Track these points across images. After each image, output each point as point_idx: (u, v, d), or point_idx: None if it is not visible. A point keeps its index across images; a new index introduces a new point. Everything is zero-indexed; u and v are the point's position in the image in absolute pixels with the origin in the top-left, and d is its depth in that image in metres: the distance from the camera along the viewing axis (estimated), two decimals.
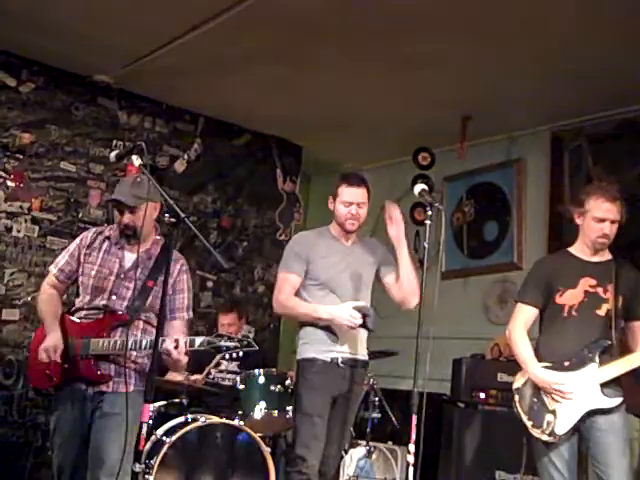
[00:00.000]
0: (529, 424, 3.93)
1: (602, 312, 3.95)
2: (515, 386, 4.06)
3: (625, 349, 3.99)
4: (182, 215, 3.38)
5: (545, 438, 3.87)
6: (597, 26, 4.86)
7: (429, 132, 6.71)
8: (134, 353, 3.79)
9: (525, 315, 4.11)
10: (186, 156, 7.06)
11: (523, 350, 4.03)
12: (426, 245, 3.68)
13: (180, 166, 7.02)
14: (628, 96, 5.73)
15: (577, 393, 3.86)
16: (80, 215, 6.41)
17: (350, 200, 4.20)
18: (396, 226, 4.19)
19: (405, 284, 4.22)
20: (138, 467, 3.62)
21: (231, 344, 3.63)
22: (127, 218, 3.83)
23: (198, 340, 3.67)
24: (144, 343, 3.71)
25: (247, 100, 6.65)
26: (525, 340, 4.05)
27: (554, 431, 3.85)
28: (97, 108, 6.58)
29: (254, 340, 3.80)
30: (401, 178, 6.86)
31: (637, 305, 4.03)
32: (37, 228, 6.20)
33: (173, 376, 5.46)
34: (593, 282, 3.99)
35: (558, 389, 3.87)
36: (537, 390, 3.96)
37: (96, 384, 3.75)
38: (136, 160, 3.62)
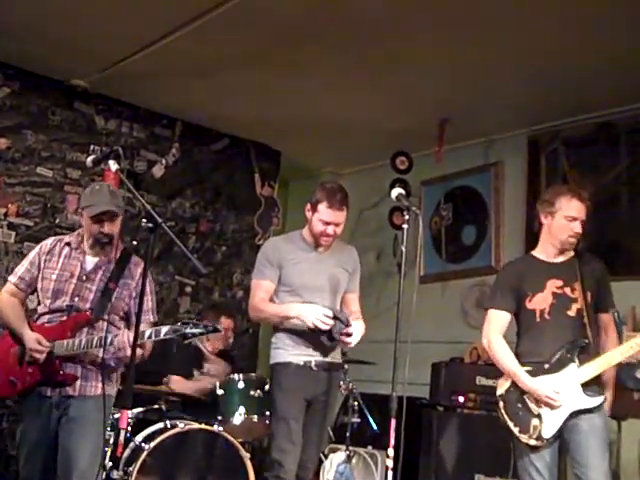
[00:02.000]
0: (515, 430, 3.90)
1: (573, 312, 3.95)
2: (498, 393, 4.04)
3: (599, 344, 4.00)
4: (159, 220, 3.38)
5: (533, 443, 3.85)
6: (574, 31, 4.89)
7: (407, 136, 6.73)
8: (100, 354, 3.75)
9: (499, 322, 4.09)
10: (164, 161, 7.03)
11: (508, 361, 3.99)
12: (404, 249, 3.68)
13: (158, 171, 7.00)
14: (604, 100, 5.78)
15: (561, 395, 3.85)
16: (57, 220, 6.36)
17: (329, 220, 4.18)
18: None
19: None
20: (116, 474, 3.61)
21: (197, 330, 3.61)
22: (108, 228, 3.83)
23: (164, 329, 3.65)
24: (109, 339, 3.67)
25: (225, 104, 6.63)
26: (507, 349, 4.03)
27: (541, 435, 3.84)
28: (74, 113, 6.54)
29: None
30: (379, 182, 6.87)
31: (604, 297, 4.06)
32: (14, 234, 6.15)
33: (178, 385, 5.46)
34: (559, 283, 3.99)
35: (552, 397, 3.83)
36: (521, 395, 3.94)
37: (61, 386, 3.72)
38: (113, 165, 3.61)
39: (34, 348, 3.69)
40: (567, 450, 3.89)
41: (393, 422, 3.52)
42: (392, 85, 5.93)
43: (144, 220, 3.42)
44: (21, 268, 3.95)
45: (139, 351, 3.66)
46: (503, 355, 4.02)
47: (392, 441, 3.50)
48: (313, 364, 4.17)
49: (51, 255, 3.91)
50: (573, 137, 6.21)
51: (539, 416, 3.87)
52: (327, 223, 4.18)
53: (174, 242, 3.57)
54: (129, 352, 3.51)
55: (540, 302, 3.98)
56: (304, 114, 6.68)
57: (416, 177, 6.99)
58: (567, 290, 3.97)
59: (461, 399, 5.25)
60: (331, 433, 5.33)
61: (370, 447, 6.09)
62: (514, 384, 3.96)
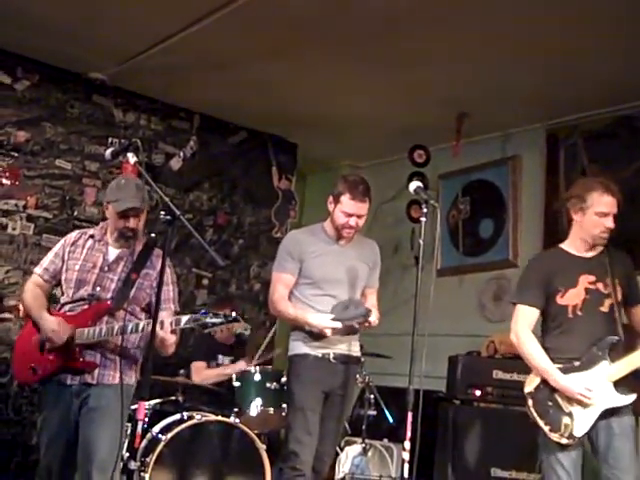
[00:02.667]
0: (546, 428, 3.81)
1: (605, 308, 3.88)
2: (527, 390, 3.92)
3: (633, 337, 3.92)
4: (177, 213, 3.39)
5: (565, 442, 3.77)
6: (592, 23, 4.86)
7: (425, 130, 6.71)
8: (119, 341, 3.76)
9: (528, 317, 3.98)
10: (182, 154, 7.05)
11: (539, 358, 3.88)
12: (421, 242, 3.67)
13: (176, 164, 7.01)
14: (623, 93, 5.74)
15: (593, 393, 3.77)
16: (75, 213, 6.40)
17: (351, 212, 4.19)
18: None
19: None
20: (133, 465, 3.63)
21: (217, 320, 3.62)
22: (133, 222, 3.86)
23: (184, 318, 3.66)
24: (130, 326, 3.70)
25: (243, 98, 6.64)
26: (537, 346, 3.92)
27: (573, 434, 3.76)
28: (92, 106, 6.56)
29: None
30: (397, 176, 6.87)
31: (635, 291, 3.99)
32: (32, 226, 6.19)
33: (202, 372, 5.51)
34: (592, 278, 3.91)
35: (586, 395, 3.75)
36: (552, 393, 3.85)
37: (81, 373, 3.75)
38: (131, 157, 3.63)
39: (54, 329, 3.71)
40: (596, 449, 3.83)
41: (409, 415, 3.52)
42: (409, 80, 5.92)
43: (162, 212, 3.44)
44: (46, 260, 3.99)
45: (172, 338, 3.70)
46: (534, 352, 3.91)
47: (408, 434, 3.51)
48: (331, 356, 4.18)
49: (75, 247, 3.94)
50: (592, 131, 6.18)
51: (570, 414, 3.79)
52: (349, 215, 4.19)
53: (192, 234, 3.58)
54: (165, 336, 3.61)
55: (573, 298, 3.89)
56: (322, 108, 6.67)
57: (434, 171, 7.00)
58: (600, 286, 3.90)
59: (478, 392, 5.25)
60: (347, 425, 5.34)
61: (386, 440, 6.09)
62: (544, 381, 3.87)
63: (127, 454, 4.10)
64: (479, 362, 5.55)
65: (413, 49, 5.40)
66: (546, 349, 3.91)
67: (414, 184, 3.83)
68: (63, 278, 3.92)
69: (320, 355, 4.17)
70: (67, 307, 3.87)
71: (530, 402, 3.88)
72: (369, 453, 5.84)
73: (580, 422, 3.77)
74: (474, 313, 6.76)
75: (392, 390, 5.87)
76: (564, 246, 4.06)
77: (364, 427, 5.70)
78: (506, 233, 6.68)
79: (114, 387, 3.73)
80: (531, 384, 3.93)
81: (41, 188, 6.25)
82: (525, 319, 3.97)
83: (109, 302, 3.81)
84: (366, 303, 4.32)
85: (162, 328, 3.63)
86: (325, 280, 4.23)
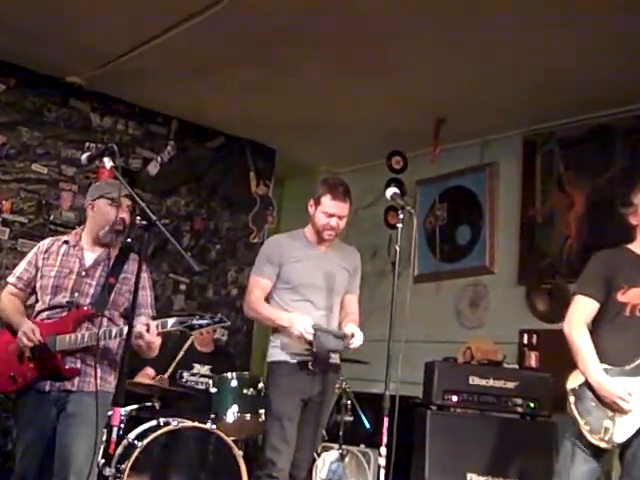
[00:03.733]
0: (586, 429, 3.63)
1: None
2: (571, 386, 3.75)
3: None
4: (154, 218, 3.37)
5: (604, 445, 3.61)
6: (572, 33, 4.89)
7: (402, 136, 6.73)
8: (102, 343, 3.73)
9: (586, 309, 3.81)
10: (159, 159, 7.03)
11: (586, 352, 3.70)
12: (398, 248, 3.68)
13: (153, 169, 6.99)
14: (599, 101, 5.78)
15: (633, 399, 3.62)
16: (52, 217, 6.36)
17: (332, 212, 4.19)
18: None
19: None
20: (109, 471, 3.60)
21: (203, 322, 3.61)
22: (127, 213, 3.86)
23: (170, 321, 3.65)
24: (114, 332, 3.68)
25: (221, 103, 6.64)
26: (587, 339, 3.73)
27: (612, 439, 3.60)
28: (69, 110, 6.54)
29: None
30: (375, 181, 6.89)
31: None
32: (8, 230, 6.15)
33: (146, 377, 5.48)
34: None
35: (624, 397, 3.60)
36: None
37: (62, 380, 3.71)
38: (108, 162, 3.60)
39: (26, 333, 3.66)
40: (622, 457, 3.71)
41: (386, 421, 3.53)
42: (388, 85, 5.93)
43: (138, 218, 3.42)
44: (19, 268, 3.95)
45: (158, 341, 3.69)
46: (583, 346, 3.71)
47: (385, 440, 3.51)
48: (310, 364, 4.17)
49: (49, 253, 3.91)
50: (569, 138, 6.22)
51: (612, 418, 3.62)
52: (331, 215, 4.19)
53: (168, 240, 3.57)
54: (151, 339, 3.59)
55: (634, 297, 3.74)
56: (300, 113, 6.68)
57: (411, 177, 7.01)
58: None
59: (454, 398, 5.25)
60: (324, 432, 5.34)
61: (363, 446, 6.09)
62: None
63: (102, 460, 4.08)
64: (455, 368, 5.56)
65: (393, 55, 5.41)
66: (596, 348, 3.74)
67: (391, 190, 3.84)
68: (38, 285, 3.88)
69: (299, 363, 4.15)
70: (44, 314, 3.83)
71: (572, 399, 3.72)
72: (346, 459, 5.84)
73: (622, 428, 3.62)
74: (451, 319, 6.78)
75: (369, 396, 5.87)
76: (630, 246, 3.91)
77: (341, 433, 5.70)
78: (483, 239, 6.71)
79: (93, 394, 3.70)
80: (575, 380, 3.76)
81: (17, 192, 6.21)
82: (583, 311, 3.82)
83: (90, 308, 3.79)
84: (345, 310, 4.32)
85: (148, 331, 3.61)
86: (303, 285, 4.22)
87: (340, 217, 4.21)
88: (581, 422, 3.66)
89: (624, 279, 3.77)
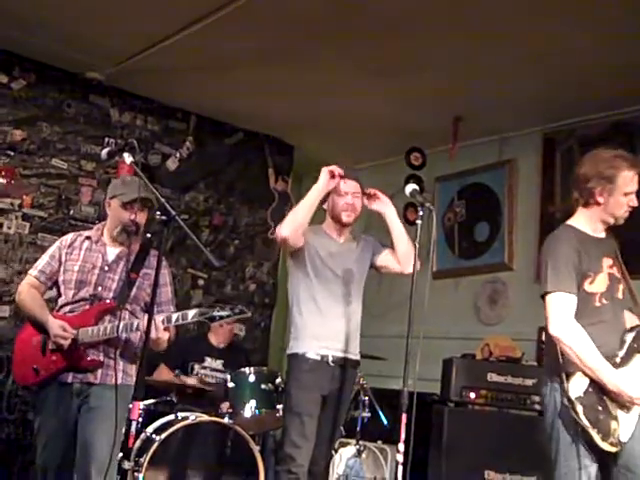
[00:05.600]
0: (598, 437, 3.30)
1: (621, 294, 3.54)
2: (575, 395, 3.35)
3: None
4: (173, 213, 3.39)
5: (614, 449, 3.33)
6: (590, 28, 4.87)
7: (421, 133, 6.72)
8: (124, 335, 3.78)
9: (570, 306, 3.41)
10: (178, 154, 7.05)
11: (592, 355, 3.34)
12: (417, 245, 3.69)
13: (172, 164, 7.02)
14: (620, 98, 5.75)
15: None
16: (71, 212, 6.40)
17: (345, 190, 4.28)
18: (375, 199, 4.34)
19: (399, 247, 4.29)
20: (127, 465, 3.62)
21: (224, 313, 3.64)
22: (139, 216, 3.87)
23: (191, 312, 3.67)
24: (135, 324, 3.72)
25: (239, 99, 6.64)
26: (586, 339, 3.36)
27: (619, 439, 3.35)
28: (89, 105, 6.57)
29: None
30: (393, 178, 6.85)
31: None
32: (28, 225, 6.19)
33: (162, 375, 5.50)
34: (610, 262, 3.54)
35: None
36: (601, 395, 3.37)
37: (84, 372, 3.75)
38: (127, 158, 3.63)
39: (59, 334, 3.71)
40: (616, 455, 3.41)
41: (404, 417, 3.52)
42: (407, 82, 5.92)
43: (158, 213, 3.44)
44: (41, 262, 3.97)
45: (165, 336, 3.72)
46: (585, 347, 3.34)
47: (402, 436, 3.50)
48: (330, 359, 4.16)
49: (72, 248, 3.95)
50: (588, 135, 6.17)
51: (616, 418, 3.37)
52: (345, 193, 4.28)
53: (187, 235, 3.58)
54: (160, 335, 3.62)
55: (600, 284, 3.47)
56: (319, 109, 6.68)
57: (430, 173, 7.00)
58: (615, 270, 3.54)
59: (472, 395, 5.24)
60: (342, 427, 5.34)
61: (380, 442, 6.09)
62: (592, 382, 3.37)
63: (121, 454, 4.10)
64: (474, 365, 5.55)
65: (411, 52, 5.41)
66: None
67: (410, 187, 3.83)
68: (61, 280, 3.91)
69: (319, 357, 4.15)
70: (67, 308, 3.87)
71: (580, 409, 3.33)
72: (363, 455, 5.83)
73: (625, 425, 3.39)
74: (469, 316, 6.77)
75: (386, 392, 5.87)
76: (577, 225, 3.61)
77: (358, 429, 5.69)
78: (502, 236, 6.69)
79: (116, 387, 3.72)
80: (579, 387, 3.38)
81: (37, 187, 6.25)
82: (567, 309, 3.41)
83: (112, 301, 3.82)
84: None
85: (169, 322, 3.67)
86: (321, 275, 4.25)
87: (354, 194, 4.30)
88: (593, 432, 3.32)
89: (590, 266, 3.48)
